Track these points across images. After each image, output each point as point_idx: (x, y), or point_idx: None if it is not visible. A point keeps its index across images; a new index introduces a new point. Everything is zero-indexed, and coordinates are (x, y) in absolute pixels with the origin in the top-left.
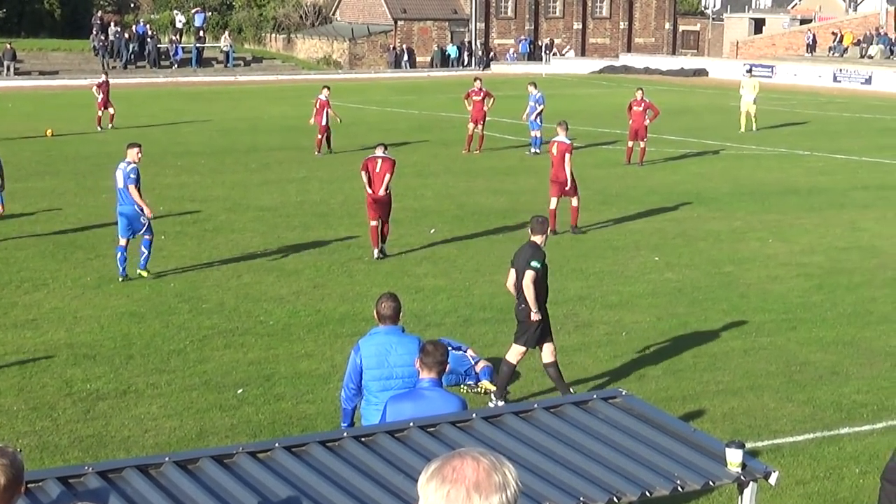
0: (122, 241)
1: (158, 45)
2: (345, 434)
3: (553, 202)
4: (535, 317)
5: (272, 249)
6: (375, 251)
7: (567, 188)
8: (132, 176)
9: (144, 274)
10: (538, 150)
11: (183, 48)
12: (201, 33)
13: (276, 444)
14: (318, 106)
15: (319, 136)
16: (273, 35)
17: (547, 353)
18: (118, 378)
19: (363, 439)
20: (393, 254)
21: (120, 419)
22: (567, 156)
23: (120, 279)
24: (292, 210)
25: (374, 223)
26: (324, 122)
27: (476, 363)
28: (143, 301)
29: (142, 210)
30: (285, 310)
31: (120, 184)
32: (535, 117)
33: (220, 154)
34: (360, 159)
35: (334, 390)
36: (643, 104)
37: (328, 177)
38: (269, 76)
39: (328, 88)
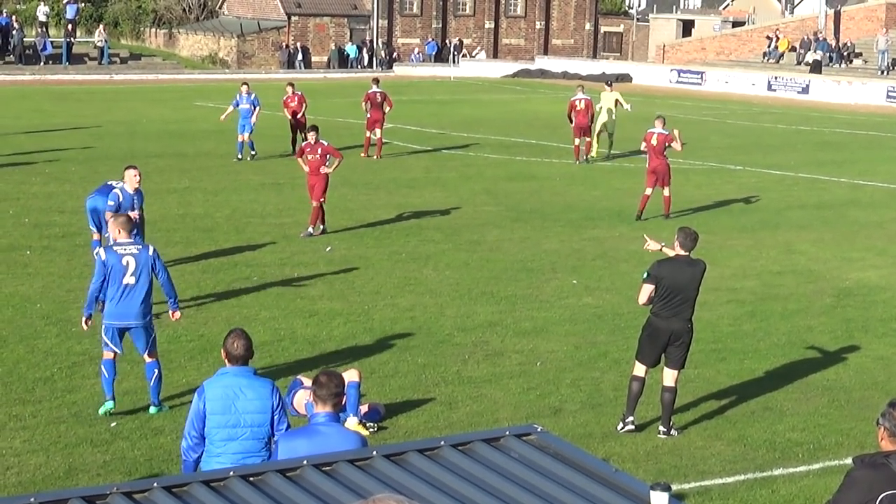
0: (96, 236)
1: (25, 39)
2: (231, 473)
3: (649, 190)
4: None
5: None
6: (310, 229)
7: (663, 178)
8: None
9: None
10: (241, 157)
11: (52, 43)
12: (71, 27)
13: (155, 484)
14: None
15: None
16: (153, 30)
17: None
18: None
19: (252, 479)
20: (284, 274)
21: None
22: (666, 146)
23: None
24: (173, 224)
25: (315, 203)
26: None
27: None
28: (5, 323)
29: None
30: (164, 334)
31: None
32: (245, 120)
33: (93, 161)
34: (248, 168)
35: None
36: (584, 102)
37: (213, 188)
38: (149, 75)
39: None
